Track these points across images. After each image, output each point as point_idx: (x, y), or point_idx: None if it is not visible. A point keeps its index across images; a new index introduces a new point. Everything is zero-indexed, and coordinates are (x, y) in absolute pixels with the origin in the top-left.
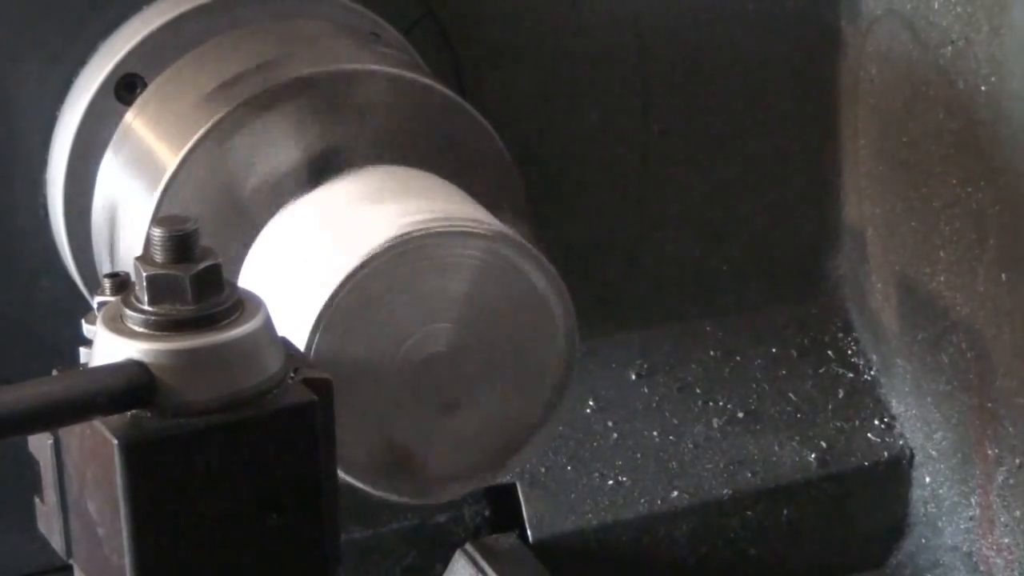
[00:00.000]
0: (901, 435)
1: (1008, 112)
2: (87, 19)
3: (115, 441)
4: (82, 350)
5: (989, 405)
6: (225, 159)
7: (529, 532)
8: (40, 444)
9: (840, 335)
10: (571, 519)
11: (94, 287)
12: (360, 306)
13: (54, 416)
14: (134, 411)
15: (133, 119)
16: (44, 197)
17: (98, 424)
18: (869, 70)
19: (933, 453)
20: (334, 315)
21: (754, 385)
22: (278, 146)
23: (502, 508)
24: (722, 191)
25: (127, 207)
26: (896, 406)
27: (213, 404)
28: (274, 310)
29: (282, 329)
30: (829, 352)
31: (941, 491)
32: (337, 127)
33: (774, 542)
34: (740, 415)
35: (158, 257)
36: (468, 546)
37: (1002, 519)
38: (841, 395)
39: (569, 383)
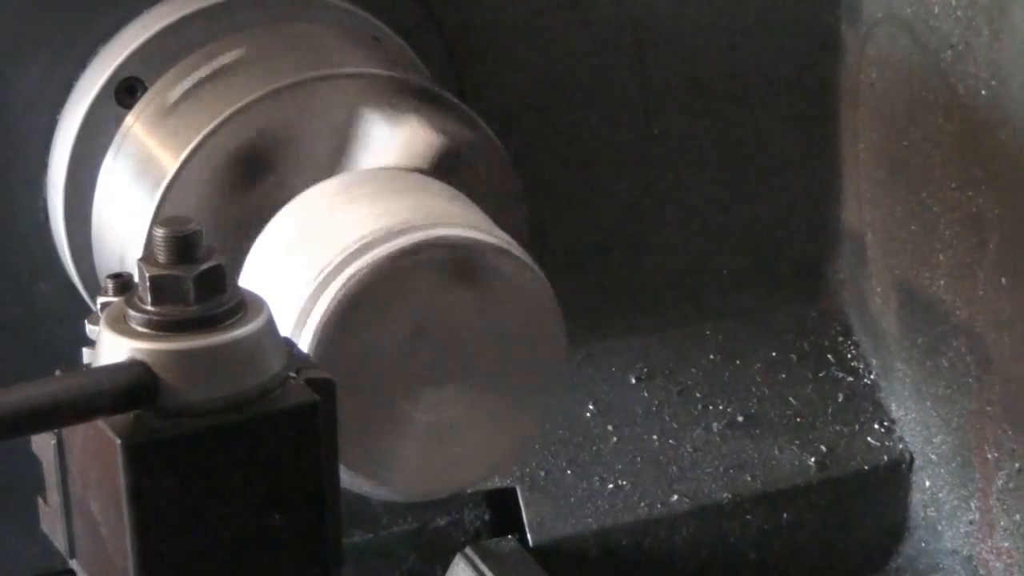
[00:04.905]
0: (901, 439)
1: (1008, 116)
2: (87, 23)
3: (118, 441)
4: (85, 350)
5: (989, 409)
6: (237, 151)
7: (529, 536)
8: (43, 444)
9: (840, 339)
10: (571, 523)
11: (94, 290)
12: (361, 309)
13: (56, 416)
14: (137, 411)
15: (133, 123)
16: (44, 201)
17: (101, 424)
18: (869, 74)
19: (933, 457)
20: (335, 320)
21: (754, 389)
22: (289, 142)
23: (502, 512)
24: (722, 195)
25: (127, 210)
26: (896, 410)
27: (215, 404)
28: (275, 307)
29: (284, 328)
30: (829, 356)
31: (941, 495)
32: (344, 127)
33: (774, 546)
34: (740, 419)
35: (161, 258)
36: (468, 550)
37: (1002, 523)
38: (841, 399)
39: (559, 388)
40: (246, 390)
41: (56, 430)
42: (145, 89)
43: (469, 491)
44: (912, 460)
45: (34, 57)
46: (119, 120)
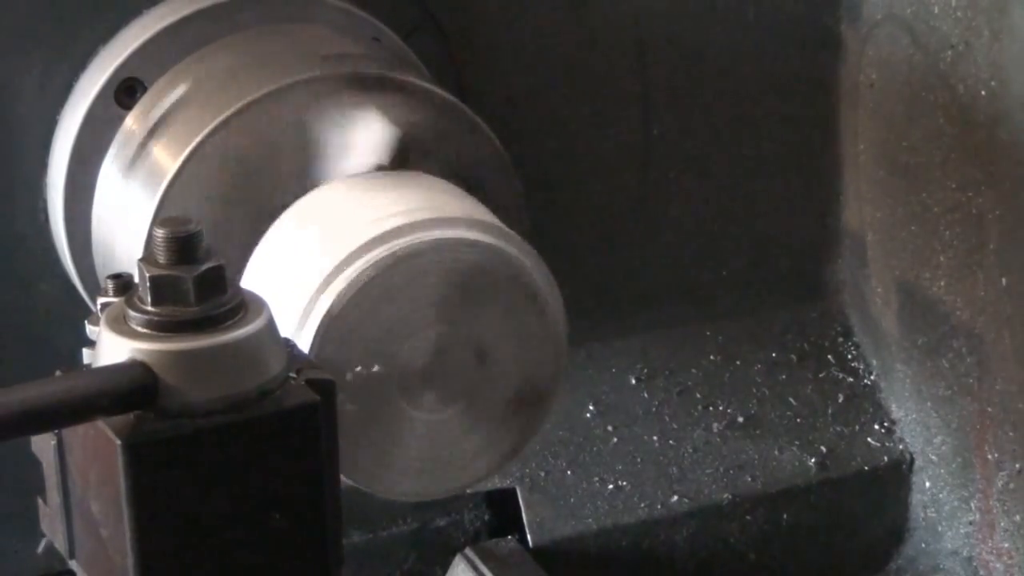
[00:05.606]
0: (901, 440)
1: (1008, 116)
2: (87, 23)
3: (118, 442)
4: (85, 351)
5: (989, 409)
6: (243, 147)
7: (529, 536)
8: (43, 445)
9: (840, 340)
10: (571, 523)
11: (94, 291)
12: (361, 310)
13: (57, 417)
14: (137, 412)
15: (133, 123)
16: (44, 201)
17: (101, 425)
18: (869, 74)
19: (933, 458)
20: (336, 321)
21: (754, 389)
22: (294, 140)
23: (502, 512)
24: (722, 195)
25: (127, 211)
26: (896, 411)
27: (216, 405)
28: (276, 308)
29: (284, 328)
30: (829, 357)
31: (941, 496)
32: (346, 128)
33: (774, 547)
34: (740, 420)
35: (161, 258)
36: (468, 550)
37: (1002, 524)
38: (841, 400)
39: (560, 384)
40: (246, 391)
41: (56, 430)
42: (145, 89)
43: (469, 491)
44: (912, 461)
45: (34, 58)
46: (119, 120)
